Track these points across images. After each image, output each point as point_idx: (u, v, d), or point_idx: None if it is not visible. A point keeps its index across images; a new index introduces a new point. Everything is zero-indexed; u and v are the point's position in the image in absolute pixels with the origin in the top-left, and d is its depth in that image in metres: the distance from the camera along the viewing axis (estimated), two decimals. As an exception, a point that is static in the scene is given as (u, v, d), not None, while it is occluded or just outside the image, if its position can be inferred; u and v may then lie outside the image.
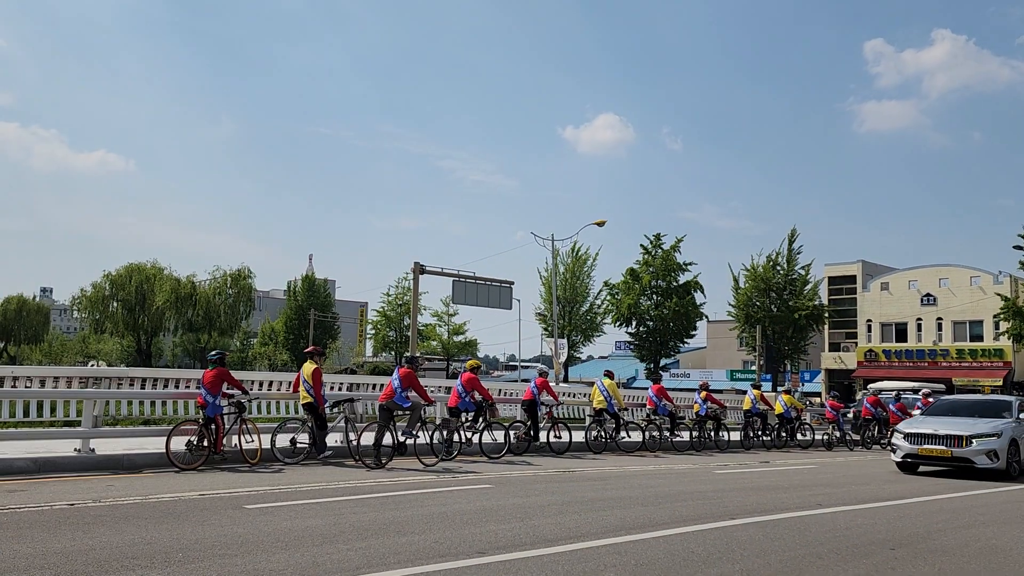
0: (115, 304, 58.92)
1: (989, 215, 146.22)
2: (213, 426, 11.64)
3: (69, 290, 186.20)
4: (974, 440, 13.67)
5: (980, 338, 52.44)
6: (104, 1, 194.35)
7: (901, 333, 55.73)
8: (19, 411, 12.66)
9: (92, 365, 57.61)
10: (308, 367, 12.81)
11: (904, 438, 14.47)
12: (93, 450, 11.24)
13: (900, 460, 14.56)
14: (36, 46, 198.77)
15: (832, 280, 59.06)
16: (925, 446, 14.04)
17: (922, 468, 14.94)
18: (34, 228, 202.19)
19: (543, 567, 5.74)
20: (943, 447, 13.84)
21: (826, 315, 53.72)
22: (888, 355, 55.68)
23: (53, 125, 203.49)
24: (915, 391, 33.48)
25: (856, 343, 57.62)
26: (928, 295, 54.54)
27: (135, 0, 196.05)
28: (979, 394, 15.27)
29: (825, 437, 22.89)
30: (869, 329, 56.97)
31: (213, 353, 12.41)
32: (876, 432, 23.44)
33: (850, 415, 24.98)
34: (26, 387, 14.29)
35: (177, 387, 16.93)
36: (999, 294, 46.48)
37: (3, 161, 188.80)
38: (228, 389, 12.19)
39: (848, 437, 23.25)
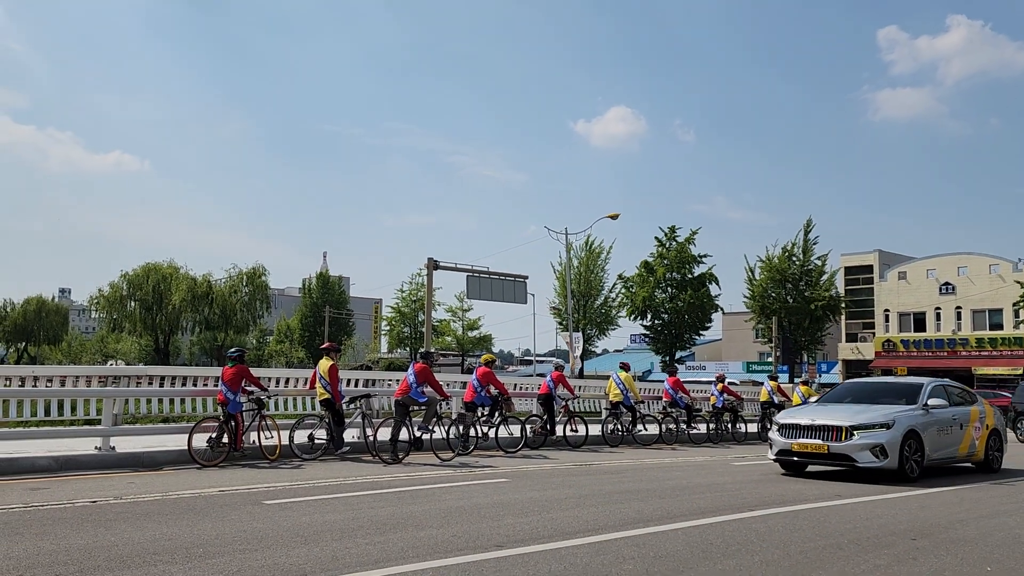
0: (133, 304, 59.41)
1: (1008, 202, 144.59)
2: (233, 423, 11.72)
3: (87, 290, 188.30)
4: (856, 432, 10.94)
5: (1000, 327, 51.94)
6: (116, 4, 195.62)
7: (919, 323, 55.29)
8: (40, 410, 12.80)
9: (111, 364, 58.17)
10: (324, 364, 12.86)
11: (778, 431, 11.83)
12: (114, 448, 11.34)
13: (775, 458, 11.93)
14: (50, 50, 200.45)
15: (848, 270, 58.66)
16: (800, 440, 11.30)
17: (812, 468, 12.24)
18: (51, 229, 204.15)
19: (561, 560, 5.74)
20: (818, 441, 11.13)
21: (843, 305, 53.38)
22: (906, 345, 55.26)
23: (68, 127, 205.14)
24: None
25: (874, 333, 57.22)
26: (946, 284, 54.06)
27: (147, 1, 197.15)
28: (894, 376, 13.38)
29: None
30: (887, 319, 56.55)
31: (232, 350, 12.49)
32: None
33: None
34: (47, 387, 14.44)
35: (195, 385, 17.05)
36: (1019, 282, 46.04)
37: (20, 164, 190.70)
38: (247, 386, 12.26)
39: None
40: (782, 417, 12.20)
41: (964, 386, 13.98)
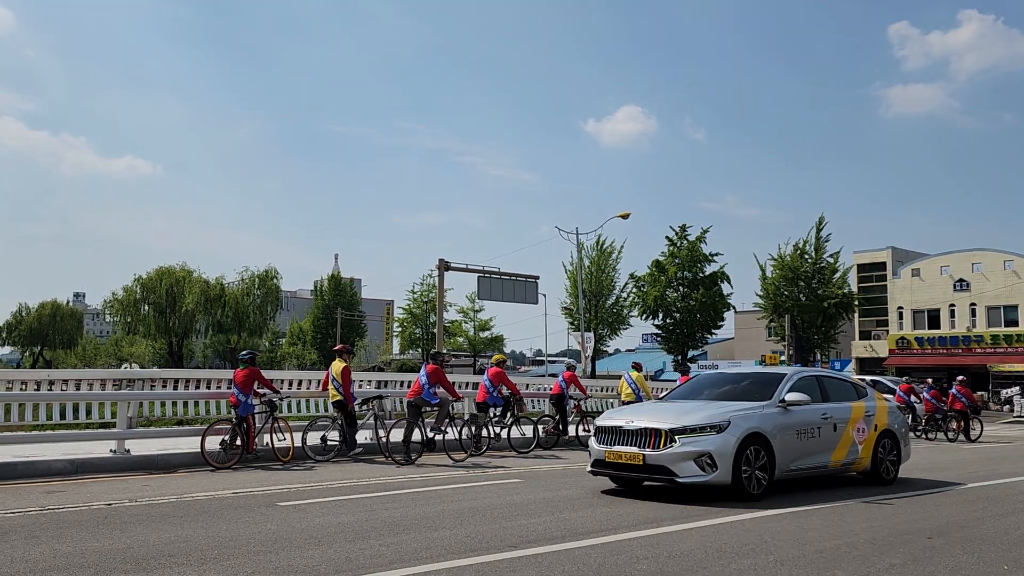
0: (146, 307, 59.79)
1: (1022, 197, 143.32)
2: (245, 425, 11.77)
3: (101, 294, 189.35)
4: (677, 438, 8.52)
5: (1015, 323, 51.47)
6: (128, 9, 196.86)
7: (934, 320, 54.87)
8: (56, 414, 12.89)
9: (125, 367, 58.51)
10: (337, 365, 12.90)
11: (595, 436, 9.43)
12: (128, 451, 11.41)
13: (592, 470, 9.39)
14: (63, 55, 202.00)
15: (861, 267, 58.28)
16: (615, 447, 8.88)
17: (648, 483, 9.51)
18: (65, 234, 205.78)
19: (575, 560, 5.73)
20: (634, 449, 8.68)
21: (856, 303, 53.05)
22: (921, 342, 54.87)
23: (81, 132, 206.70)
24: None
25: (887, 331, 56.84)
26: (961, 280, 53.64)
27: (157, 6, 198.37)
28: (764, 366, 10.84)
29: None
30: (900, 316, 56.17)
31: (244, 353, 12.55)
32: (910, 420, 23.10)
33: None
34: (62, 390, 14.54)
35: (209, 387, 17.12)
36: (1034, 278, 45.59)
37: (34, 168, 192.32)
38: (259, 388, 12.31)
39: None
40: (602, 419, 9.61)
41: (849, 377, 11.66)
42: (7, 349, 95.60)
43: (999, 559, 6.16)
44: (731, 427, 8.69)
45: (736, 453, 8.52)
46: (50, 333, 78.83)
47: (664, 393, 12.34)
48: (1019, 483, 11.24)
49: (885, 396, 11.94)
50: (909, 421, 23.00)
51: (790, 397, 9.45)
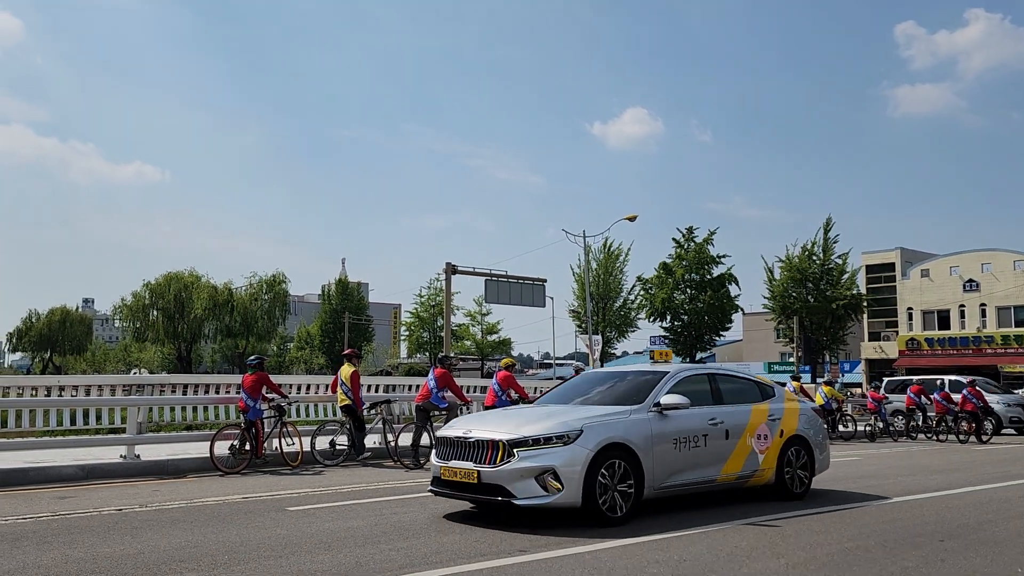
0: (155, 313, 60.02)
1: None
2: (254, 430, 11.80)
3: (110, 300, 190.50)
4: (516, 451, 7.16)
5: (1026, 323, 51.24)
6: (135, 16, 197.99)
7: (943, 320, 54.64)
8: (66, 419, 12.94)
9: (134, 373, 58.77)
10: (346, 370, 12.92)
11: (435, 448, 8.10)
12: (138, 456, 11.46)
13: (432, 490, 7.92)
14: (72, 63, 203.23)
15: (870, 268, 58.10)
16: (451, 462, 7.54)
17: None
18: (74, 240, 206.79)
19: (586, 564, 5.72)
20: (469, 465, 7.34)
21: (865, 304, 52.85)
22: (931, 343, 54.63)
23: (90, 139, 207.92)
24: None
25: (897, 332, 56.62)
26: (970, 281, 53.40)
27: (164, 14, 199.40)
28: (649, 364, 9.06)
29: (867, 428, 22.53)
30: (910, 317, 55.95)
31: (252, 358, 12.59)
32: (920, 422, 23.02)
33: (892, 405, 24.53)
34: (72, 396, 14.60)
35: (217, 392, 17.16)
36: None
37: (43, 175, 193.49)
38: (268, 393, 12.34)
39: (891, 428, 22.86)
40: (445, 427, 8.32)
41: (751, 375, 10.05)
42: (17, 355, 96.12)
43: (1013, 561, 6.11)
44: (583, 437, 7.22)
45: (588, 468, 7.08)
46: (59, 339, 79.11)
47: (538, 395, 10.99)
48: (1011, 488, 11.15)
49: (801, 397, 10.48)
50: (920, 422, 22.95)
51: (667, 400, 7.98)
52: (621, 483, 7.34)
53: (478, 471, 7.26)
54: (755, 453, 8.73)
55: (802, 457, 9.23)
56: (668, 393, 8.18)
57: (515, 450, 7.18)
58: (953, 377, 26.82)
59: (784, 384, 21.56)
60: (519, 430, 7.35)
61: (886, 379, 30.43)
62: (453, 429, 7.85)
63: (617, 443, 7.40)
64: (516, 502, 7.06)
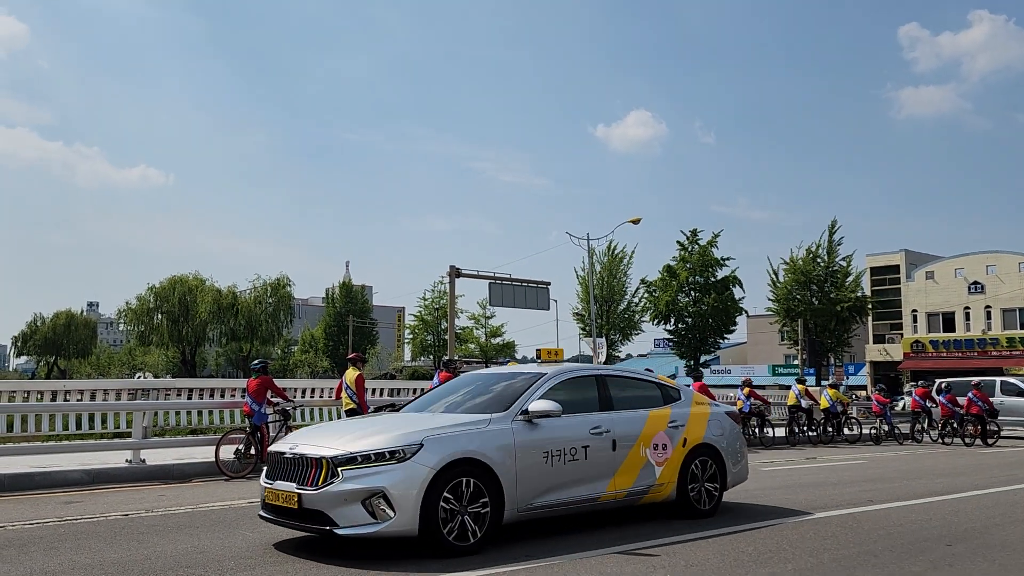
0: (159, 316, 60.19)
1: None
2: (259, 434, 11.81)
3: (115, 304, 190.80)
4: (341, 470, 6.07)
5: (1031, 325, 51.11)
6: (139, 20, 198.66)
7: (948, 323, 54.53)
8: (72, 424, 12.96)
9: (139, 377, 58.86)
10: (351, 373, 12.92)
11: (265, 467, 6.92)
12: (144, 461, 11.47)
13: (261, 515, 6.65)
14: (76, 66, 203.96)
15: (874, 270, 58.03)
16: (276, 483, 6.43)
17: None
18: (79, 243, 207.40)
19: (591, 570, 5.71)
20: (291, 487, 6.24)
21: (869, 306, 52.79)
22: (935, 345, 54.51)
23: (95, 143, 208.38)
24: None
25: (901, 334, 56.51)
26: (975, 283, 53.30)
27: (168, 17, 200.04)
28: (531, 364, 7.39)
29: (873, 431, 22.48)
30: (915, 320, 55.85)
31: (256, 362, 12.60)
32: (926, 425, 22.96)
33: (899, 406, 24.47)
34: (77, 400, 14.62)
35: (222, 396, 17.18)
36: (1050, 280, 45.25)
37: (48, 178, 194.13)
38: (272, 397, 12.35)
39: (896, 431, 22.80)
40: (276, 443, 7.60)
41: (652, 377, 8.68)
42: (22, 359, 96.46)
43: (1022, 565, 6.09)
44: (422, 452, 6.09)
45: (428, 489, 5.97)
46: (64, 343, 79.41)
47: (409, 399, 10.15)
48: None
49: (716, 401, 9.34)
50: (926, 425, 22.84)
51: (536, 407, 6.83)
52: (472, 505, 6.21)
53: (299, 494, 6.10)
54: (651, 465, 7.57)
55: (710, 469, 8.08)
56: (540, 399, 6.97)
57: (340, 469, 6.04)
58: (1004, 378, 26.12)
59: (789, 387, 21.68)
60: (348, 445, 6.20)
61: (938, 381, 27.31)
62: (282, 443, 6.77)
63: (468, 458, 6.27)
64: (338, 531, 5.93)
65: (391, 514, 5.90)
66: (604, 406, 7.56)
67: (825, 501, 9.36)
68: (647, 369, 15.33)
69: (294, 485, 6.23)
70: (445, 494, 6.07)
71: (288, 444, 6.62)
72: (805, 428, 21.04)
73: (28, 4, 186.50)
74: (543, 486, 6.74)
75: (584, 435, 7.15)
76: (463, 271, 28.84)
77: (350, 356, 13.60)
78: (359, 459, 6.07)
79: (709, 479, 8.08)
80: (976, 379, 23.98)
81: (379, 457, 6.07)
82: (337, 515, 5.96)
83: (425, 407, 7.62)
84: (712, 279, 50.11)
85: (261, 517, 6.63)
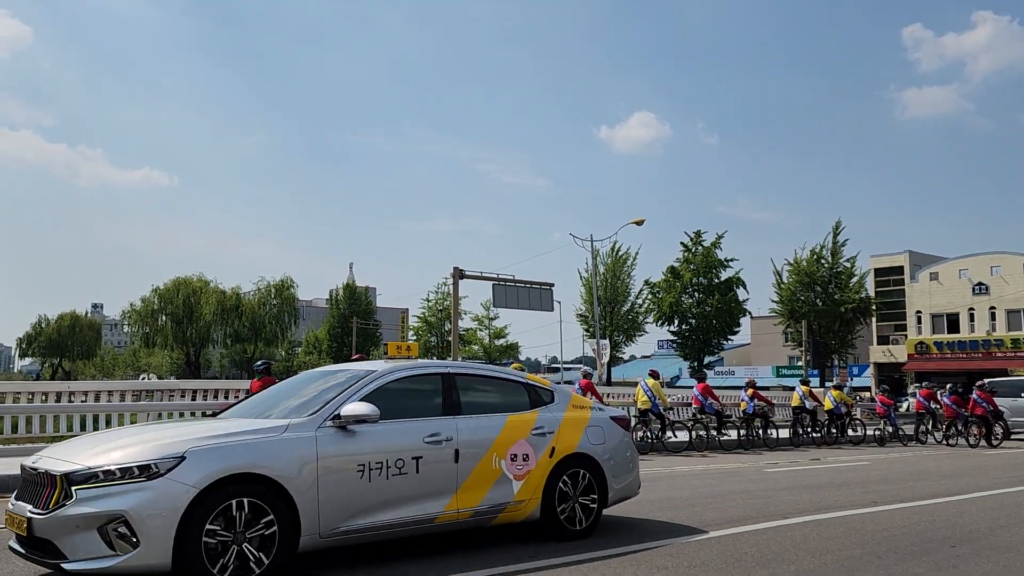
0: (164, 318, 60.30)
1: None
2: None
3: (119, 305, 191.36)
4: (76, 490, 4.95)
5: (1036, 326, 51.00)
6: (142, 23, 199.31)
7: (953, 324, 54.43)
8: (76, 425, 13.01)
9: (144, 378, 59.05)
10: (536, 378, 12.90)
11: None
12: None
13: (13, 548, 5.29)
14: (79, 69, 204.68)
15: (878, 271, 57.94)
16: (18, 503, 5.31)
17: None
18: (83, 245, 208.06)
19: (596, 571, 5.71)
20: (27, 508, 5.16)
21: (873, 308, 52.73)
22: (940, 347, 54.40)
23: (98, 145, 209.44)
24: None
25: (906, 335, 56.41)
26: (980, 284, 53.19)
27: (171, 20, 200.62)
28: (378, 361, 7.46)
29: (877, 433, 22.45)
30: (919, 321, 55.76)
31: (259, 363, 12.64)
32: (931, 426, 22.92)
33: (903, 407, 24.43)
34: (81, 402, 14.68)
35: (226, 398, 17.24)
36: (1054, 281, 45.13)
37: (52, 181, 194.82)
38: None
39: (900, 432, 22.77)
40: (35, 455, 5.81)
41: (518, 376, 7.53)
42: (27, 360, 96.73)
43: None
44: (182, 467, 5.01)
45: (187, 513, 4.90)
46: (69, 344, 79.60)
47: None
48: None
49: (599, 404, 8.13)
50: (930, 426, 22.77)
51: (350, 411, 5.76)
52: (253, 530, 5.12)
53: (29, 519, 5.00)
54: (507, 479, 6.47)
55: (585, 482, 6.94)
56: (356, 401, 5.87)
57: (76, 488, 4.92)
58: None
59: (793, 388, 21.61)
60: (94, 458, 5.11)
61: (987, 381, 25.63)
62: (38, 453, 5.70)
63: (246, 473, 5.18)
64: (66, 566, 4.82)
65: (134, 545, 4.78)
66: (449, 410, 6.44)
67: (829, 502, 9.34)
68: (515, 365, 15.02)
69: (28, 507, 5.11)
70: (212, 519, 4.96)
71: (39, 455, 5.57)
72: (809, 429, 21.03)
73: (32, 6, 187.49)
74: (358, 506, 5.63)
75: (416, 444, 6.04)
76: (467, 272, 28.84)
77: (354, 358, 13.65)
78: (100, 476, 4.94)
79: (584, 494, 6.93)
80: (1004, 378, 23.77)
81: (125, 473, 4.93)
82: (67, 545, 4.84)
83: (246, 412, 6.37)
84: (716, 280, 50.12)
85: (11, 549, 5.27)
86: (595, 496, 7.00)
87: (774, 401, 22.47)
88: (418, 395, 6.50)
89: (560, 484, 6.78)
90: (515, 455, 6.58)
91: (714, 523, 7.72)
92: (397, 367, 6.54)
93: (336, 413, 5.78)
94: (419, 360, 7.18)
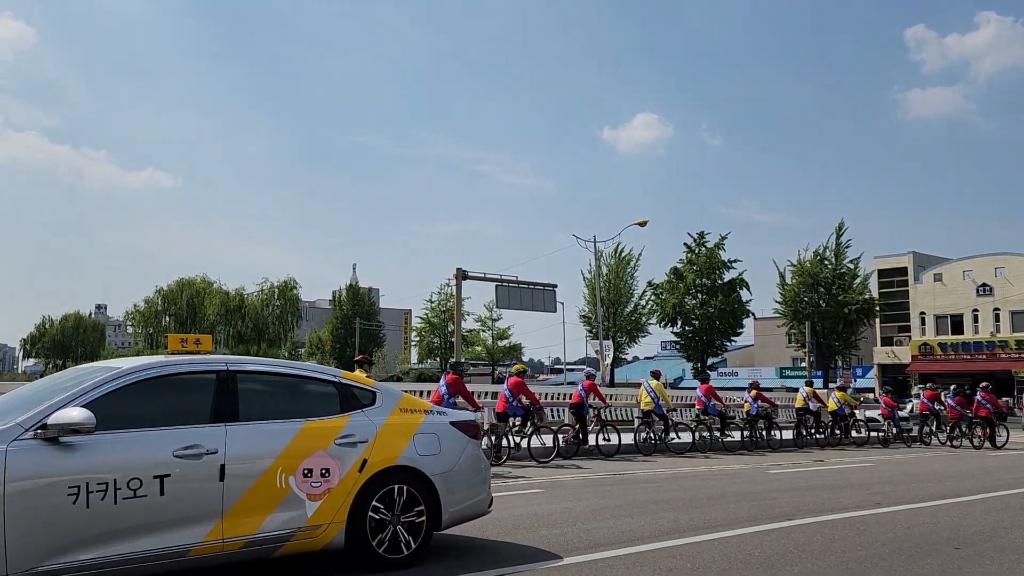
0: (167, 318, 60.51)
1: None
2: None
3: (123, 306, 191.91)
4: None
5: (1040, 328, 50.89)
6: (147, 25, 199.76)
7: (956, 325, 54.32)
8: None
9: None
10: (358, 376, 12.93)
11: None
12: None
13: None
14: (84, 70, 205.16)
15: (882, 273, 57.86)
16: None
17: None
18: (87, 246, 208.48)
19: (598, 571, 5.71)
20: None
21: (877, 309, 52.65)
22: (944, 348, 54.30)
23: (103, 146, 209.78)
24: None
25: (909, 337, 56.31)
26: (984, 285, 53.08)
27: (175, 21, 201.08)
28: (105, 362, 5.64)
29: (880, 434, 22.42)
30: (923, 322, 55.65)
31: (264, 364, 12.61)
32: (935, 427, 22.88)
33: (907, 409, 24.39)
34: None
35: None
36: (1059, 282, 45.03)
37: (56, 183, 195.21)
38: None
39: (905, 433, 22.73)
40: None
41: (325, 373, 6.26)
42: (31, 361, 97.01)
43: (1029, 570, 6.07)
44: None
45: None
46: (73, 345, 79.94)
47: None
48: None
49: (440, 407, 6.81)
50: (934, 427, 22.72)
51: (60, 418, 4.61)
52: None
53: None
54: (298, 499, 5.35)
55: (406, 499, 5.79)
56: (74, 407, 4.72)
57: None
58: None
59: (796, 389, 21.52)
60: None
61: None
62: None
63: None
64: None
65: None
66: (220, 416, 5.28)
67: (832, 504, 9.33)
68: (517, 366, 15.07)
69: None
70: None
71: None
72: (813, 431, 21.00)
73: (36, 8, 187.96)
74: (69, 539, 4.50)
75: (162, 459, 4.89)
76: (469, 273, 28.84)
77: (357, 358, 13.62)
78: None
79: (407, 514, 5.78)
80: None
81: None
82: None
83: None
84: (719, 281, 50.10)
85: None
86: (423, 518, 5.84)
87: (778, 402, 22.44)
88: (179, 399, 5.32)
89: (374, 504, 5.63)
90: (309, 470, 5.43)
91: (717, 525, 7.71)
92: (148, 364, 5.30)
93: (43, 422, 4.63)
94: (194, 356, 5.87)
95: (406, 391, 20.10)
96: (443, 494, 5.98)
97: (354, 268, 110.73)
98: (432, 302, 65.73)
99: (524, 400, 14.66)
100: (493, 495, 6.73)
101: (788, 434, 20.76)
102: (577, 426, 16.04)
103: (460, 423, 6.49)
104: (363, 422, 5.85)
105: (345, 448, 5.62)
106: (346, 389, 6.08)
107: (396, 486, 5.76)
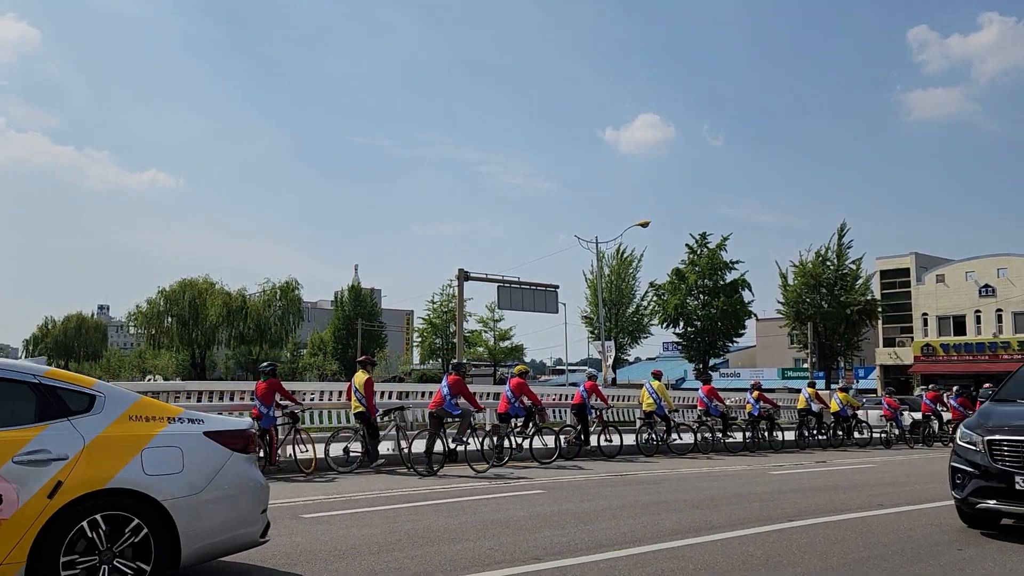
0: (169, 319, 60.47)
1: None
2: (268, 437, 11.85)
3: (125, 307, 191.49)
4: None
5: (1043, 329, 50.80)
6: (149, 26, 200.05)
7: (959, 326, 54.20)
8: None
9: (149, 380, 59.17)
10: (360, 376, 12.95)
11: None
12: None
13: None
14: (86, 71, 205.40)
15: (884, 274, 57.76)
16: None
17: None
18: (89, 247, 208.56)
19: (600, 572, 5.71)
20: None
21: (879, 310, 52.59)
22: (946, 349, 54.19)
23: (105, 147, 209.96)
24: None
25: (912, 338, 56.22)
26: (986, 286, 52.98)
27: (178, 23, 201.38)
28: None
29: (883, 435, 22.39)
30: (925, 323, 55.55)
31: (264, 365, 12.65)
32: (937, 429, 22.85)
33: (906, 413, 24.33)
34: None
35: (232, 399, 17.28)
36: (1062, 283, 44.95)
37: (59, 183, 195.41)
38: (281, 400, 12.39)
39: (907, 435, 22.69)
40: None
41: (21, 372, 4.80)
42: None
43: (1032, 571, 6.05)
44: None
45: None
46: (75, 346, 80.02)
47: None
48: None
49: (198, 415, 5.36)
50: (936, 429, 22.65)
51: None
52: None
53: None
54: None
55: (123, 533, 4.64)
56: None
57: None
58: None
59: (799, 390, 21.49)
60: None
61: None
62: None
63: None
64: None
65: None
66: None
67: (835, 505, 9.32)
68: (519, 367, 15.16)
69: None
70: None
71: None
72: (815, 432, 20.98)
73: (39, 9, 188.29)
74: None
75: None
76: (471, 274, 28.87)
77: (359, 359, 13.64)
78: None
79: (124, 552, 4.63)
80: None
81: None
82: None
83: None
84: (721, 282, 50.04)
85: None
86: (149, 555, 4.67)
87: (780, 403, 22.41)
88: None
89: (73, 538, 4.47)
90: None
91: (719, 526, 7.70)
92: None
93: None
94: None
95: (407, 391, 20.00)
96: (183, 523, 4.80)
97: (356, 269, 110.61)
98: (434, 303, 65.72)
99: (526, 401, 14.65)
100: (495, 495, 6.72)
101: (790, 435, 20.73)
102: (579, 427, 16.03)
103: (219, 433, 5.24)
104: (64, 434, 4.64)
105: (30, 468, 4.44)
106: (49, 392, 4.80)
107: (105, 514, 4.58)
